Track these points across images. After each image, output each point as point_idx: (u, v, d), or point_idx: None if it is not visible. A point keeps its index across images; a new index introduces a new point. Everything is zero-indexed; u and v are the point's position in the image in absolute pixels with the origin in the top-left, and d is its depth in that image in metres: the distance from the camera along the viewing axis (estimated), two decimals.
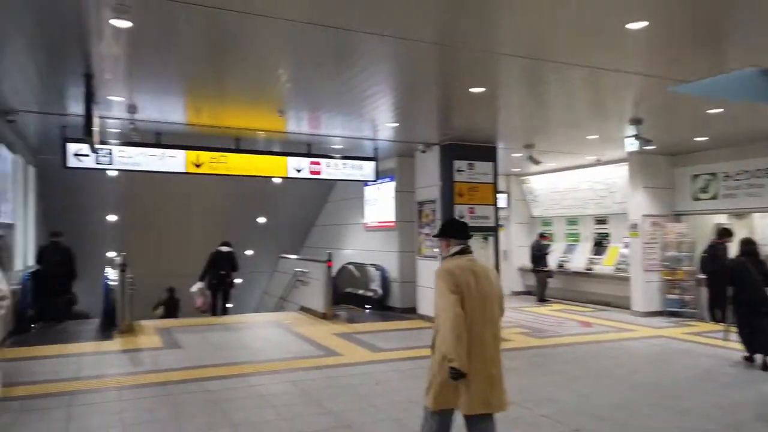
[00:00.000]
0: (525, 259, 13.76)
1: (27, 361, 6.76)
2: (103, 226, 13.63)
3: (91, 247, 13.46)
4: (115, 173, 11.75)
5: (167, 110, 7.39)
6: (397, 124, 8.16)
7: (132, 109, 6.97)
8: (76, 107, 6.99)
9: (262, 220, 15.06)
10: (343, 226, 13.93)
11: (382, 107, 7.26)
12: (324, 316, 10.25)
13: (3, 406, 4.99)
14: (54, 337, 8.47)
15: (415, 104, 7.26)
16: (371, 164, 10.21)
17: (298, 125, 8.41)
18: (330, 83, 6.19)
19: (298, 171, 9.59)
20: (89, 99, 5.59)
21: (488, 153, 9.74)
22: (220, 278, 11.04)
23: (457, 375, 2.99)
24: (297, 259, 12.20)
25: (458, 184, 9.51)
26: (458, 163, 9.52)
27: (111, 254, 14.07)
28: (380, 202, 11.88)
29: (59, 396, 5.28)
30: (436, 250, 9.66)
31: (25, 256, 9.61)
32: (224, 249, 11.17)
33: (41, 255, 10.29)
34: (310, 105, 7.28)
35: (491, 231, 9.74)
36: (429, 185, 9.97)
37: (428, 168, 10.00)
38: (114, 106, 7.01)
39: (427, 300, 9.94)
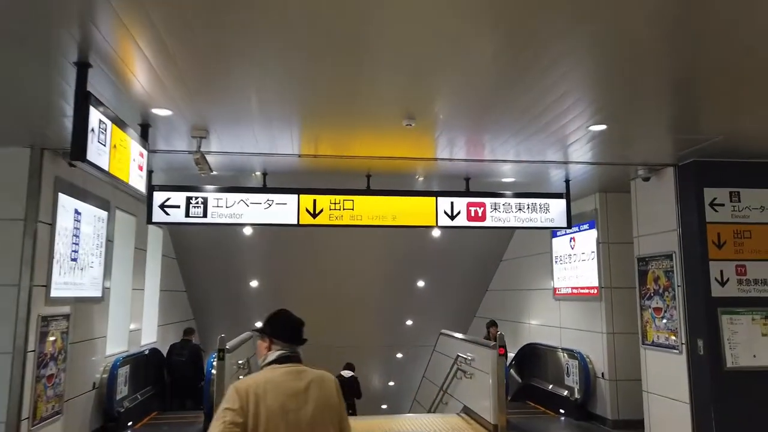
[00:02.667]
0: None
1: None
2: (247, 293, 12.11)
3: (238, 318, 12.01)
4: (249, 230, 10.16)
5: (270, 137, 5.19)
6: (603, 127, 4.89)
7: (199, 132, 4.83)
8: (177, 142, 5.15)
9: (421, 283, 12.34)
10: (522, 292, 10.55)
11: (574, 105, 4.17)
12: (495, 430, 6.92)
13: None
14: None
15: (632, 95, 4.04)
16: (560, 204, 6.93)
17: (450, 149, 5.65)
18: (493, 70, 3.37)
19: (452, 217, 6.71)
20: (82, 102, 3.43)
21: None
22: None
23: None
24: (460, 339, 9.13)
25: (714, 226, 5.74)
26: (713, 193, 5.79)
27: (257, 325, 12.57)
28: (575, 259, 8.39)
29: None
30: (672, 336, 5.91)
31: (127, 333, 7.99)
32: (346, 374, 9.52)
33: (170, 352, 8.99)
34: (465, 111, 4.49)
35: None
36: (658, 231, 6.33)
37: (655, 204, 6.40)
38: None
39: (665, 412, 6.12)
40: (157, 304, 9.44)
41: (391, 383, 15.27)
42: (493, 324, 9.64)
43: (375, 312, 12.91)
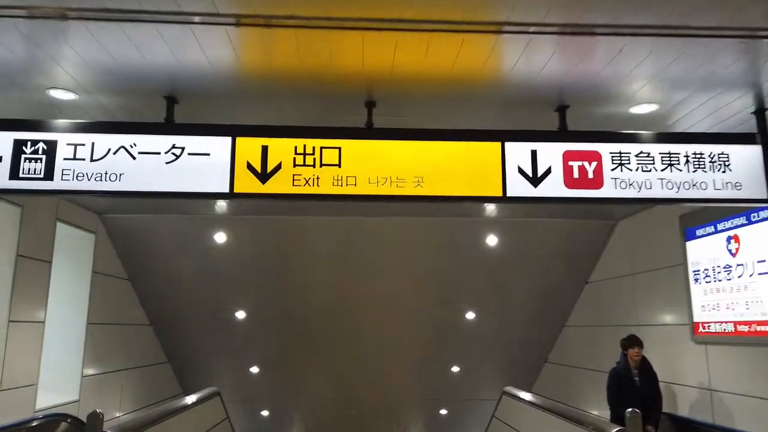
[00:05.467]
0: None
1: None
2: (241, 329, 8.93)
3: (237, 367, 8.98)
4: (223, 237, 7.14)
5: None
6: None
7: None
8: None
9: (470, 315, 8.89)
10: (626, 330, 6.95)
11: None
12: None
13: None
14: None
15: None
16: (751, 154, 3.49)
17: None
18: None
19: (535, 180, 3.40)
20: None
21: None
22: None
23: None
24: (544, 409, 5.49)
25: None
26: None
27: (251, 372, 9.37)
28: (742, 274, 4.86)
29: None
30: None
31: None
32: None
33: None
34: None
35: None
36: None
37: None
38: None
39: None
40: (82, 344, 6.42)
41: None
42: (633, 342, 5.58)
43: (409, 354, 9.56)
